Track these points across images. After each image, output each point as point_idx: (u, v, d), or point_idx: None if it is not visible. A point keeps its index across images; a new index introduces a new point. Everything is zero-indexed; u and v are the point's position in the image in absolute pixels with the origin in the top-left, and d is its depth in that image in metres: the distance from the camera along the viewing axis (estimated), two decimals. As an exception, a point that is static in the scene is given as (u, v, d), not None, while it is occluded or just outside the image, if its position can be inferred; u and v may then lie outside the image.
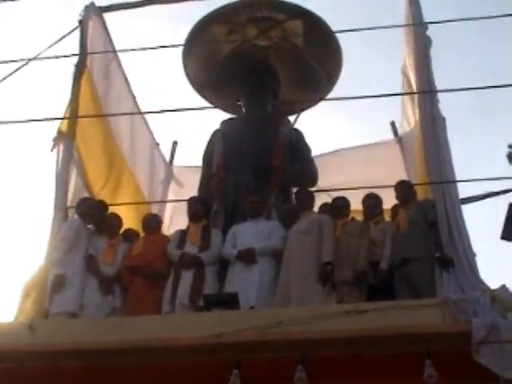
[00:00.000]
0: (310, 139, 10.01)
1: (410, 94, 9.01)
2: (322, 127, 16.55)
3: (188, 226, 8.48)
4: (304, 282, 7.50)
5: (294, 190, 9.41)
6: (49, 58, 8.11)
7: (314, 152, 10.08)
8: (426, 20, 8.71)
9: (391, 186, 8.03)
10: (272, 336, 6.24)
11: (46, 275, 7.89)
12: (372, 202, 8.27)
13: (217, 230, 8.50)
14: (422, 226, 7.53)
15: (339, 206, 8.26)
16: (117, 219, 8.63)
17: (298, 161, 9.51)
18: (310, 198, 8.49)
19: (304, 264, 7.62)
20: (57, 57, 7.76)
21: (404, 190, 8.05)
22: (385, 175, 9.56)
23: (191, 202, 8.73)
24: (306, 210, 8.29)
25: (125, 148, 10.34)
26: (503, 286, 6.52)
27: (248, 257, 7.90)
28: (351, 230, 7.93)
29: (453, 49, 15.50)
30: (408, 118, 9.91)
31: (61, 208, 8.39)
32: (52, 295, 7.71)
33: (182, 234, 8.35)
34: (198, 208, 8.60)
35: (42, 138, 9.09)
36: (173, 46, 8.08)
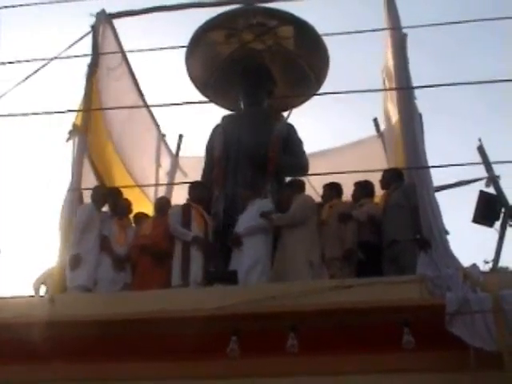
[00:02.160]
0: (301, 132, 10.11)
1: (388, 90, 9.07)
2: (314, 121, 16.56)
3: (189, 205, 8.47)
4: (296, 264, 7.58)
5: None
6: (65, 57, 8.20)
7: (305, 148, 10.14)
8: (403, 20, 8.89)
9: (373, 171, 8.19)
10: (266, 309, 6.30)
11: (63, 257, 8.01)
12: (356, 187, 8.45)
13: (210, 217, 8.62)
14: (405, 208, 7.62)
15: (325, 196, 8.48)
16: (127, 203, 8.71)
17: (291, 153, 9.58)
18: (298, 186, 8.59)
19: (294, 248, 7.71)
20: (73, 56, 7.85)
21: (383, 176, 8.28)
22: (369, 167, 9.60)
23: (197, 185, 8.82)
24: (296, 194, 8.34)
25: (124, 140, 10.32)
26: (474, 265, 6.66)
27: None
28: (338, 211, 8.03)
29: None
30: (388, 114, 9.98)
31: (76, 193, 8.45)
32: (69, 272, 7.80)
33: (185, 213, 8.31)
34: (203, 192, 8.69)
35: (60, 131, 9.16)
36: (177, 47, 8.15)
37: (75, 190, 8.35)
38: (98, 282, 7.87)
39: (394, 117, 9.03)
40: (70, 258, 7.84)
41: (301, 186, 8.57)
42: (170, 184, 11.32)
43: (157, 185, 10.93)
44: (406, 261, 7.21)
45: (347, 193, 8.62)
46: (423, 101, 8.30)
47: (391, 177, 8.15)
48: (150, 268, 7.91)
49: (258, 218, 8.03)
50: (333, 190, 8.41)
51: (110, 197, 8.59)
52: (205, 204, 8.67)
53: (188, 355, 6.33)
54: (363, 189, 8.37)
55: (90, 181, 9.01)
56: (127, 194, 9.14)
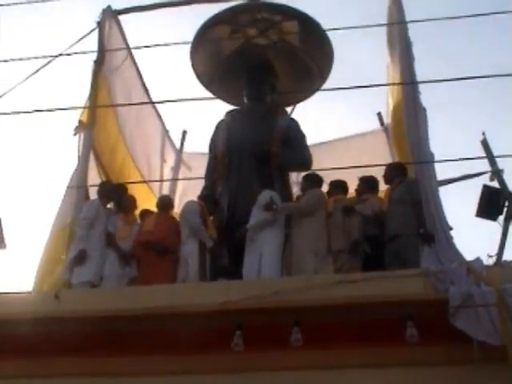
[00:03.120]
0: (305, 127, 10.03)
1: (392, 84, 9.04)
2: (317, 115, 16.48)
3: (203, 208, 8.36)
4: (303, 256, 7.53)
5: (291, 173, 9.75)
6: (73, 53, 8.18)
7: (309, 141, 10.08)
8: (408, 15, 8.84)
9: (377, 165, 8.14)
10: (271, 304, 6.26)
11: (58, 248, 7.98)
12: (360, 182, 8.42)
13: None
14: (408, 203, 7.56)
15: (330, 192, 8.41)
16: (132, 200, 8.66)
17: (294, 147, 9.49)
18: (307, 182, 8.50)
19: (302, 242, 7.66)
20: (79, 53, 7.84)
21: (386, 171, 8.22)
22: (373, 161, 9.56)
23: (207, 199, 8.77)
24: (307, 190, 8.31)
25: (132, 137, 10.31)
26: (477, 259, 6.60)
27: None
28: (342, 205, 7.98)
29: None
30: (392, 109, 9.94)
31: (81, 189, 8.42)
32: (74, 268, 7.74)
33: (202, 214, 8.22)
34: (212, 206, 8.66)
35: (66, 127, 9.13)
36: (182, 43, 8.10)
37: (81, 186, 8.32)
38: (104, 278, 7.81)
39: (398, 111, 8.98)
40: (76, 254, 7.78)
41: (317, 181, 8.48)
42: (175, 180, 11.34)
43: (162, 181, 10.91)
44: (408, 255, 7.18)
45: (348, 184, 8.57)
46: (428, 95, 8.28)
47: (394, 172, 8.11)
48: (155, 263, 7.85)
49: (263, 211, 7.97)
50: (338, 187, 8.35)
51: (116, 193, 8.53)
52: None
53: (193, 350, 6.30)
54: (367, 184, 8.34)
55: (94, 177, 8.98)
56: (136, 189, 9.19)
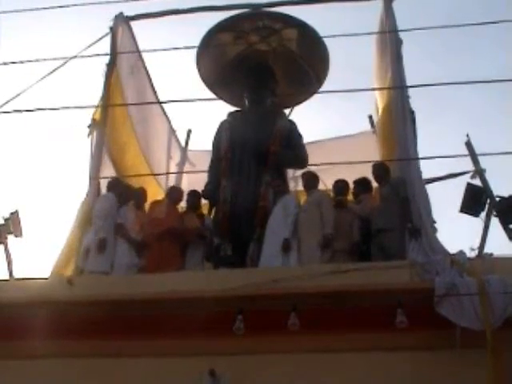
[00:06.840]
0: (302, 128, 10.03)
1: (384, 88, 9.06)
2: (313, 117, 16.43)
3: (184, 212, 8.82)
4: (308, 250, 7.61)
5: (288, 171, 9.88)
6: (87, 56, 8.21)
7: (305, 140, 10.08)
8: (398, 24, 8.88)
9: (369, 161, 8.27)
10: (270, 290, 6.30)
11: (78, 238, 7.99)
12: (355, 185, 8.51)
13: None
14: (393, 201, 7.63)
15: (339, 187, 8.45)
16: (143, 194, 8.71)
17: (292, 147, 9.49)
18: (312, 179, 8.54)
19: (308, 237, 7.72)
20: (93, 55, 7.85)
21: (376, 171, 8.26)
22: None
23: (190, 192, 9.05)
24: (311, 188, 8.38)
25: (143, 135, 10.34)
26: (461, 252, 6.66)
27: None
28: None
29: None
30: (380, 112, 9.99)
31: (95, 184, 8.46)
32: (91, 256, 7.78)
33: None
34: (194, 198, 8.95)
35: (80, 126, 9.16)
36: (189, 47, 8.11)
37: (93, 180, 8.35)
38: (115, 267, 7.83)
39: (387, 114, 9.02)
40: (96, 242, 7.82)
41: (313, 181, 8.51)
42: (180, 172, 11.38)
43: (168, 173, 10.99)
44: (391, 247, 7.28)
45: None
46: (418, 100, 8.31)
47: (381, 171, 8.20)
48: (167, 252, 8.00)
49: (283, 214, 8.03)
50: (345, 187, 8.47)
51: (124, 194, 8.57)
52: (197, 208, 9.00)
53: (197, 333, 6.30)
54: (361, 185, 8.42)
55: (108, 172, 9.01)
56: (146, 183, 9.30)
